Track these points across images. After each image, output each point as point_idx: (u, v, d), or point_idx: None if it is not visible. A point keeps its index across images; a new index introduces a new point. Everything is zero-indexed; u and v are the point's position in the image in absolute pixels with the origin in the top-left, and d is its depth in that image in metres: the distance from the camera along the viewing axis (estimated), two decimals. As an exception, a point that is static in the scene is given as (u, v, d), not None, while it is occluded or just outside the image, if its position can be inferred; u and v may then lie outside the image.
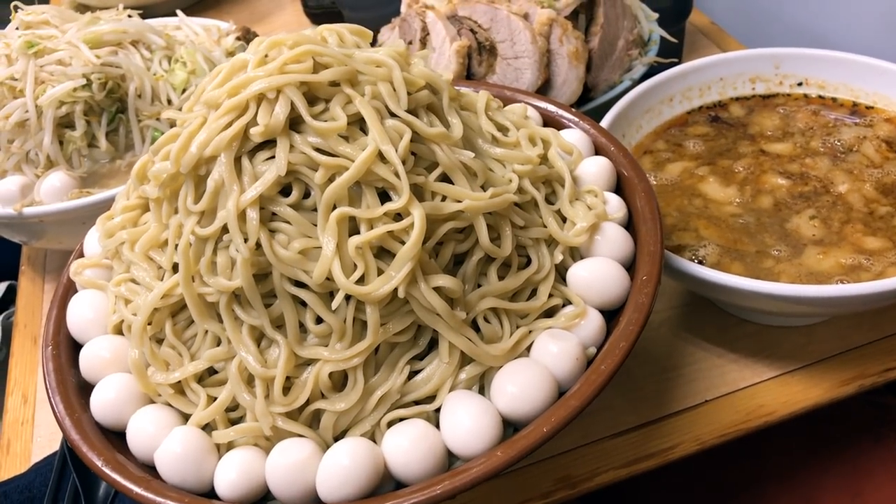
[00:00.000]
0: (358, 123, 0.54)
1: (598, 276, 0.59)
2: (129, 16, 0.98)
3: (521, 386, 0.53)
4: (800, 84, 0.88)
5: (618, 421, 0.73)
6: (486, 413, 0.52)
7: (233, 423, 0.56)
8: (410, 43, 0.88)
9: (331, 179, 0.52)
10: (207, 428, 0.56)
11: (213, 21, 1.06)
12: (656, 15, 0.96)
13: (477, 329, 0.55)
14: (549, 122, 0.74)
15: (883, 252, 0.70)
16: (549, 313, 0.59)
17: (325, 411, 0.53)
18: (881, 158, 0.79)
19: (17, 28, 0.94)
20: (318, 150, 0.53)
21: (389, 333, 0.53)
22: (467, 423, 0.52)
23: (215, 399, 0.55)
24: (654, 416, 0.74)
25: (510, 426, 0.54)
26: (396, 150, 0.53)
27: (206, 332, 0.56)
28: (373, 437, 0.54)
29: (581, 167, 0.67)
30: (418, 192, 0.55)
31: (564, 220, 0.62)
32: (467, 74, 0.85)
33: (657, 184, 0.81)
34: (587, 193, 0.64)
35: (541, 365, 0.54)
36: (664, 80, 0.87)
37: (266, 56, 0.55)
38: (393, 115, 0.55)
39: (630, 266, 0.61)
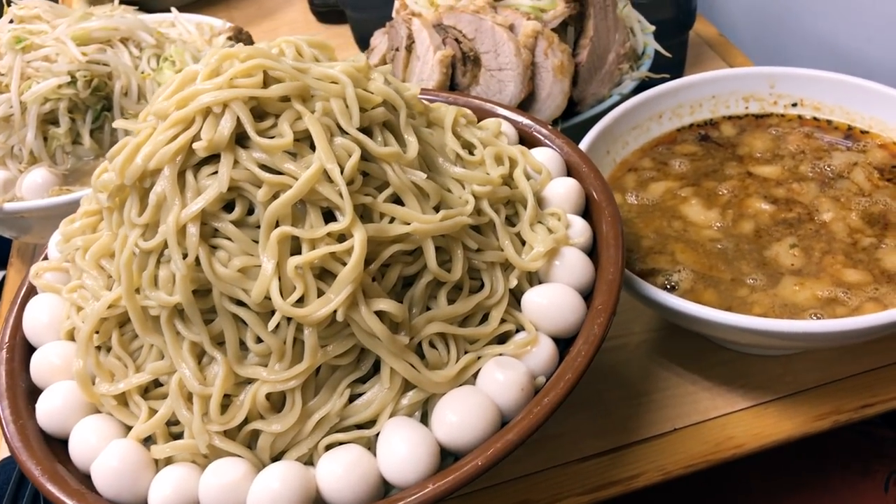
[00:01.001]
0: (308, 140, 0.53)
1: (553, 302, 0.57)
2: (124, 12, 0.98)
3: (462, 415, 0.52)
4: (794, 105, 0.85)
5: (583, 445, 0.72)
6: (423, 442, 0.51)
7: (175, 437, 0.55)
8: (397, 49, 0.87)
9: (275, 197, 0.51)
10: (149, 441, 0.55)
11: (207, 18, 1.06)
12: (652, 28, 0.94)
13: (422, 354, 0.54)
14: (526, 137, 0.73)
15: (862, 286, 0.68)
16: (503, 339, 0.58)
17: (262, 432, 0.53)
18: (871, 187, 0.76)
19: (10, 21, 0.94)
20: (262, 166, 0.52)
21: (330, 356, 0.52)
22: (403, 452, 0.51)
23: (156, 412, 0.55)
24: (621, 442, 0.72)
25: (451, 455, 0.53)
26: (343, 169, 0.52)
27: (152, 344, 0.56)
28: (310, 460, 0.53)
29: (549, 188, 0.65)
30: (367, 213, 0.54)
31: (525, 243, 0.61)
32: (451, 84, 0.84)
33: (638, 203, 0.79)
34: (550, 216, 0.62)
35: (483, 394, 0.53)
36: (653, 96, 0.85)
37: (218, 68, 0.54)
38: (344, 132, 0.54)
39: (590, 293, 0.60)
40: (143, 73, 0.92)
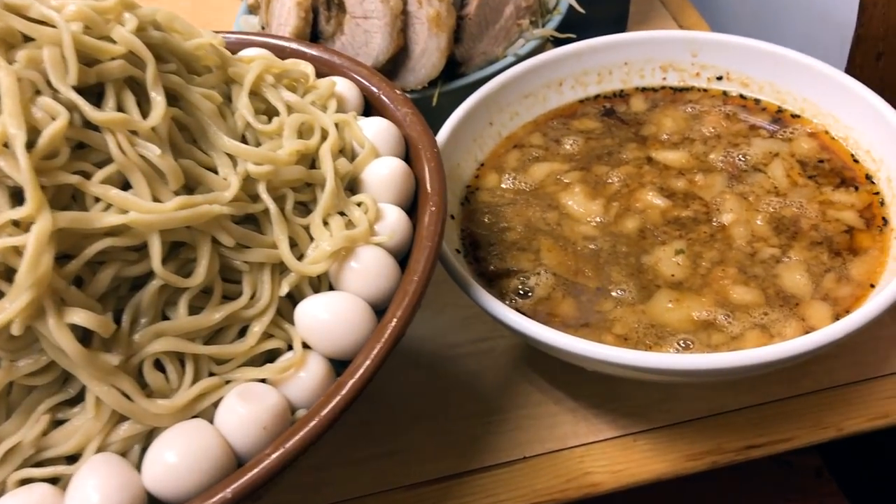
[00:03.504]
0: (11, 99, 0.42)
1: (333, 316, 0.46)
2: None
3: (183, 457, 0.41)
4: (720, 78, 0.72)
5: (414, 469, 0.61)
6: (123, 488, 0.41)
7: None
8: (263, -11, 0.74)
9: (-51, 171, 0.40)
10: None
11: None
12: (570, -23, 0.80)
13: (144, 377, 0.44)
14: (372, 102, 0.61)
15: (749, 308, 0.56)
16: (272, 357, 0.47)
17: (-61, 461, 0.42)
18: (788, 184, 0.64)
19: None
20: (-67, 132, 0.40)
21: (20, 374, 0.42)
22: (94, 500, 0.40)
23: None
24: (459, 468, 0.61)
25: None
26: (40, 136, 0.40)
27: None
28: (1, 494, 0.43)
29: (370, 170, 0.54)
30: (79, 197, 0.42)
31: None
32: (313, 32, 0.71)
33: (513, 188, 0.67)
34: (357, 206, 0.51)
35: (214, 431, 0.42)
36: (553, 59, 0.72)
37: None
38: (57, 91, 0.42)
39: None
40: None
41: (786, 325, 0.54)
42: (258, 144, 0.51)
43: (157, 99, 0.45)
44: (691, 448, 0.61)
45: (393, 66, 0.70)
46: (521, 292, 0.59)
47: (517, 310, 0.58)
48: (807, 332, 0.53)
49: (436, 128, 0.66)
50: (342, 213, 0.51)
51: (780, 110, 0.70)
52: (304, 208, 0.51)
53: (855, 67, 0.76)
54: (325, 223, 0.50)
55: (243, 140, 0.51)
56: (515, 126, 0.72)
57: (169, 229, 0.43)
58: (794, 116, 0.69)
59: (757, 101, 0.71)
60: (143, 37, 0.46)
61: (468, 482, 0.61)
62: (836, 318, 0.55)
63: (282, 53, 0.64)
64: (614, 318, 0.57)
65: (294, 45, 0.65)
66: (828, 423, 0.61)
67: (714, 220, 0.62)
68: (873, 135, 0.64)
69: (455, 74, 0.73)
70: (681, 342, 0.54)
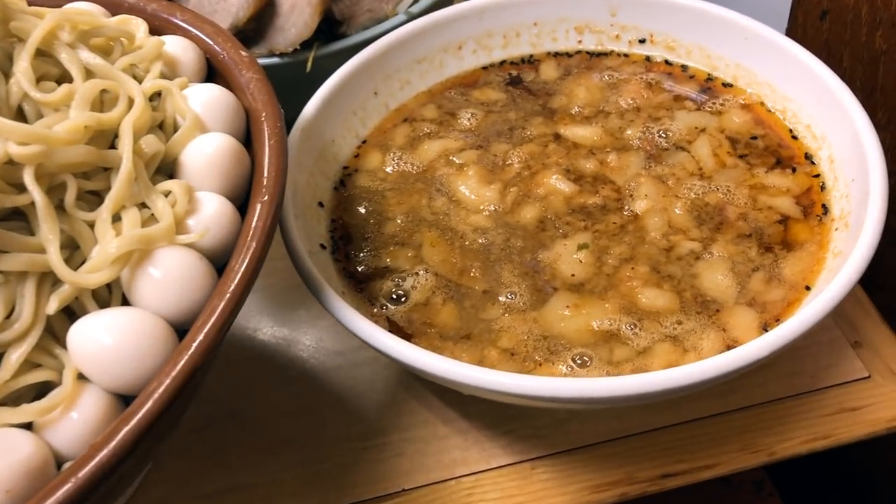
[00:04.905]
0: None
1: (117, 339, 0.36)
2: None
3: None
4: (642, 41, 0.62)
5: (277, 504, 0.52)
6: None
7: None
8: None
9: None
10: None
11: None
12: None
13: None
14: (217, 66, 0.50)
15: (661, 315, 0.47)
16: (44, 392, 0.37)
17: None
18: (715, 165, 0.54)
19: None
20: None
21: None
22: None
23: None
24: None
25: None
26: None
27: None
28: None
29: (190, 148, 0.43)
30: None
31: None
32: (166, -14, 0.60)
33: (398, 171, 0.57)
34: (161, 196, 0.40)
35: (-65, 497, 0.32)
36: (451, 17, 0.62)
37: None
38: None
39: (204, 320, 0.38)
40: None
41: (702, 337, 0.45)
42: (40, 117, 0.40)
43: None
44: (597, 477, 0.51)
45: (258, 24, 0.60)
46: (395, 296, 0.49)
47: (388, 318, 0.48)
48: (728, 347, 0.45)
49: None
50: (145, 206, 0.40)
51: (709, 78, 0.60)
52: (99, 200, 0.40)
53: (797, 28, 0.66)
54: (119, 218, 0.39)
55: (20, 113, 0.40)
56: (406, 97, 0.61)
57: None
58: (726, 85, 0.59)
59: (684, 67, 0.61)
60: None
61: (335, 521, 0.51)
62: (764, 328, 0.46)
63: (118, 8, 0.54)
64: (501, 327, 0.47)
65: (132, 1, 0.54)
66: (759, 445, 0.52)
67: (626, 208, 0.52)
68: (815, 107, 0.54)
69: (335, 35, 0.62)
70: (576, 358, 0.45)
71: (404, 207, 0.54)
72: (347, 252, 0.52)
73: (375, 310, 0.49)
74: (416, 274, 0.50)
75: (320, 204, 0.54)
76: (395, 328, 0.48)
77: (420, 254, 0.51)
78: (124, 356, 0.36)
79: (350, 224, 0.54)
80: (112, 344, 0.36)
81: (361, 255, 0.52)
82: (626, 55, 0.63)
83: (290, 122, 0.54)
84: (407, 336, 0.47)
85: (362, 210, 0.55)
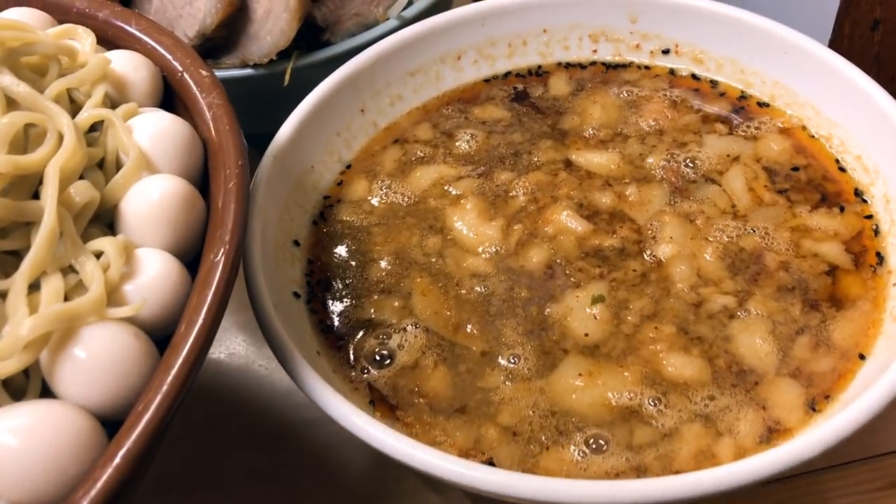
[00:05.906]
0: None
1: (24, 443, 0.30)
2: None
3: None
4: (666, 52, 0.55)
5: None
6: None
7: None
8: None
9: None
10: None
11: None
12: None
13: None
14: (174, 86, 0.43)
15: (689, 388, 0.40)
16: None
17: None
18: (751, 202, 0.47)
19: None
20: None
21: None
22: None
23: None
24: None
25: None
26: None
27: None
28: None
29: (132, 194, 0.36)
30: None
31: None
32: (124, -12, 0.53)
33: (386, 203, 0.50)
34: (89, 256, 0.33)
35: None
36: (449, 23, 0.54)
37: None
38: None
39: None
40: None
41: (739, 417, 0.38)
42: (-53, 160, 0.33)
43: None
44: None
45: (229, 32, 0.52)
46: (379, 357, 0.42)
47: (370, 384, 0.42)
48: (769, 429, 0.38)
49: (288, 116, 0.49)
50: (73, 269, 0.33)
51: (743, 96, 0.53)
52: (18, 261, 0.34)
53: (842, 40, 0.59)
54: (39, 287, 0.32)
55: (-79, 154, 0.33)
56: (397, 114, 0.54)
57: None
58: (762, 105, 0.52)
59: (713, 83, 0.54)
60: None
61: None
62: (811, 405, 0.39)
63: (66, 14, 0.47)
64: (501, 398, 0.40)
65: (83, 6, 0.47)
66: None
67: (648, 252, 0.45)
68: (866, 134, 0.47)
69: (317, 43, 0.55)
70: (590, 441, 0.38)
71: (392, 247, 0.47)
72: (325, 301, 0.45)
73: (355, 374, 0.42)
74: (404, 329, 0.43)
75: (295, 242, 0.47)
76: (377, 397, 0.41)
77: (409, 304, 0.44)
78: (35, 465, 0.29)
79: (329, 266, 0.47)
80: (17, 447, 0.29)
81: (341, 305, 0.45)
82: (647, 67, 0.55)
83: (264, 142, 0.47)
84: (392, 407, 0.41)
85: (344, 250, 0.48)
